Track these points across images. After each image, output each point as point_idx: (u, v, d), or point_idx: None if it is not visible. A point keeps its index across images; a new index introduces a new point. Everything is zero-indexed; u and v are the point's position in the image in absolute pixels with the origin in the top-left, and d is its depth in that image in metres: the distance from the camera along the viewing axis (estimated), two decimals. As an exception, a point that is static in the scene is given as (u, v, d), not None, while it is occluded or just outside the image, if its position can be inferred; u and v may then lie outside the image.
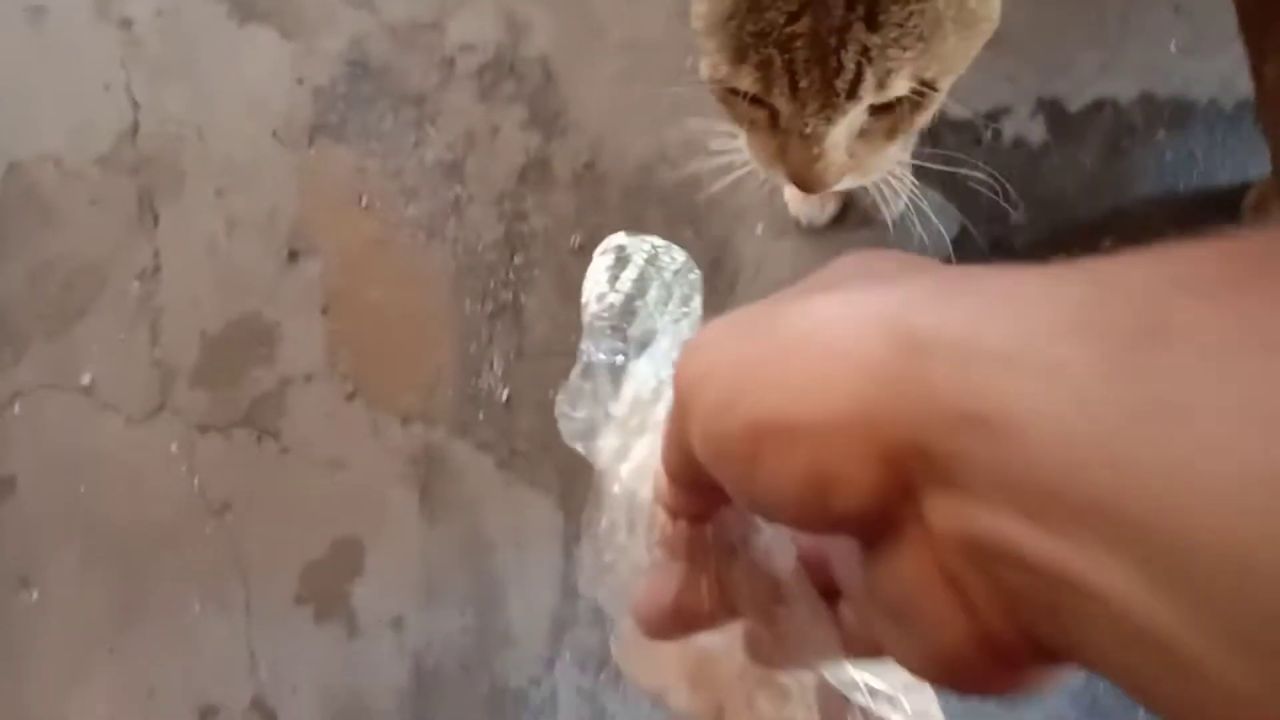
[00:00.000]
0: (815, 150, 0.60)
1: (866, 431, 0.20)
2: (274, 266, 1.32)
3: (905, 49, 0.56)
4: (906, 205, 1.11)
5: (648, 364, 0.51)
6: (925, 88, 0.59)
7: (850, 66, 0.56)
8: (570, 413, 0.56)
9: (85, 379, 1.30)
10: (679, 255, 0.75)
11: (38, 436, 1.27)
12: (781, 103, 0.59)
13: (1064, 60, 1.20)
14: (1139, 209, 1.14)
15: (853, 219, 1.19)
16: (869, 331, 0.21)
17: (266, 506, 1.18)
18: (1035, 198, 1.15)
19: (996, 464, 0.18)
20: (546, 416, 1.19)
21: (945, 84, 0.63)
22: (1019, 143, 1.18)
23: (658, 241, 0.83)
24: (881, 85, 0.57)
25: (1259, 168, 1.10)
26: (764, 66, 0.57)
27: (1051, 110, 1.18)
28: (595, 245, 1.25)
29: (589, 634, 1.07)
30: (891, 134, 0.65)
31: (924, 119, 0.66)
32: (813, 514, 0.22)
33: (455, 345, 1.23)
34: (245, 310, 1.30)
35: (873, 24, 0.54)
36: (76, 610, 1.16)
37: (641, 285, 0.76)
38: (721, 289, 1.19)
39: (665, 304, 0.83)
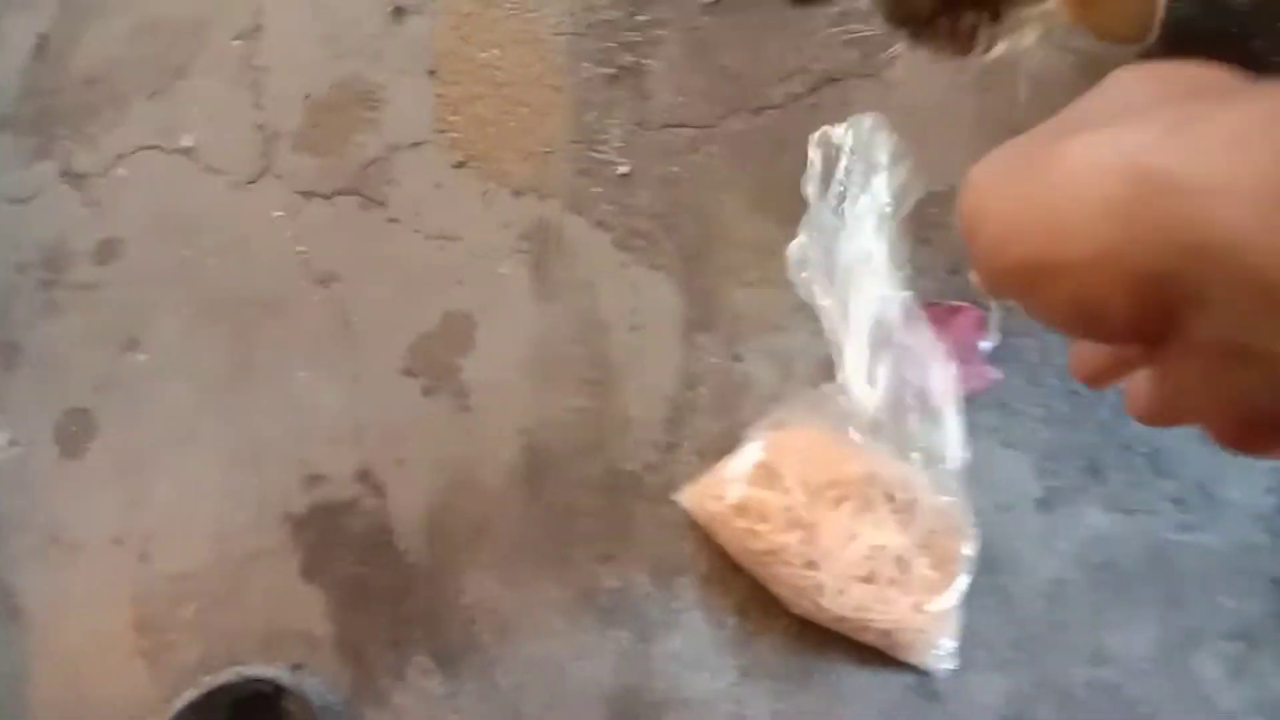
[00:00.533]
0: None
1: (1115, 267, 0.24)
2: (379, 25, 1.22)
3: None
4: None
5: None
6: None
7: None
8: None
9: (187, 140, 1.25)
10: (879, 132, 0.92)
11: (142, 198, 1.23)
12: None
13: None
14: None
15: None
16: (1111, 178, 0.24)
17: (374, 277, 1.13)
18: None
19: (1227, 281, 0.22)
20: (669, 194, 1.09)
21: None
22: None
23: (869, 128, 0.92)
24: None
25: None
26: None
27: None
28: (729, 1, 1.10)
29: (710, 422, 1.01)
30: None
31: None
32: (1086, 332, 0.27)
33: (571, 113, 1.12)
34: (350, 71, 1.22)
35: None
36: (183, 372, 1.15)
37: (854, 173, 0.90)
38: (877, 50, 1.05)
39: (868, 181, 0.85)
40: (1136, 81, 0.28)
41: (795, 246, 0.95)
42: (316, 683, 0.98)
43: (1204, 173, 0.22)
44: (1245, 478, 0.89)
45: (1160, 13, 0.62)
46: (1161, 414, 0.30)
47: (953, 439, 0.88)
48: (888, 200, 0.93)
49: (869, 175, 0.93)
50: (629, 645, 0.96)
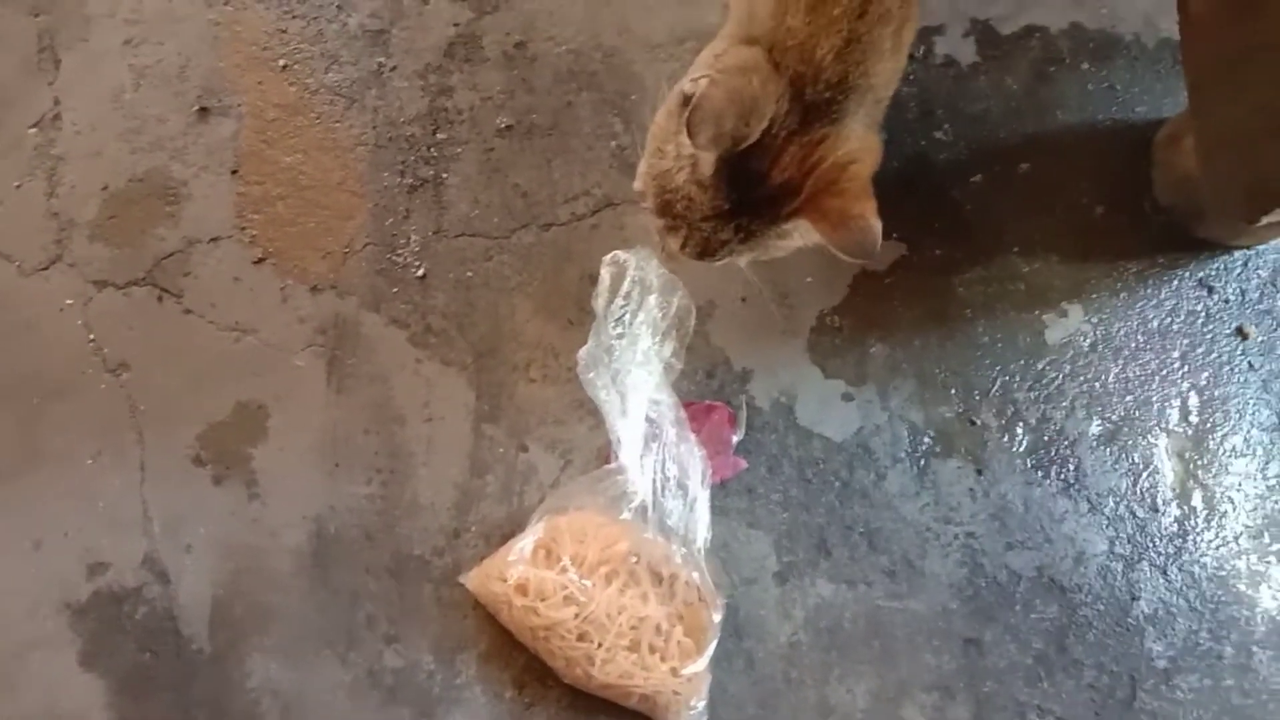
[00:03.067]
0: (689, 256, 0.90)
1: None
2: (183, 123, 1.30)
3: (756, 252, 0.90)
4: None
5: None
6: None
7: (722, 255, 0.89)
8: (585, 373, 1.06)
9: (-27, 225, 1.27)
10: (652, 260, 1.10)
11: (-80, 280, 1.24)
12: (675, 242, 0.89)
13: (1000, -16, 1.26)
14: (1058, 135, 1.21)
15: (782, 123, 1.23)
16: None
17: (167, 366, 1.19)
18: (960, 115, 1.21)
19: None
20: (463, 295, 1.23)
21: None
22: (949, 62, 1.24)
23: (645, 257, 1.11)
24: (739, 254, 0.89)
25: (1173, 106, 1.18)
26: (673, 226, 0.88)
27: (984, 32, 1.24)
28: (522, 127, 1.28)
29: (496, 508, 1.12)
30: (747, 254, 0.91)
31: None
32: None
33: (371, 217, 1.24)
34: (151, 166, 1.29)
35: (745, 241, 0.87)
36: (-40, 457, 1.16)
37: (632, 295, 1.09)
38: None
39: (649, 310, 1.02)
40: None
41: (584, 352, 1.11)
42: (89, 773, 1.01)
43: None
44: (943, 553, 1.09)
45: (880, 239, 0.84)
46: None
47: (703, 523, 1.04)
48: (659, 316, 1.10)
49: (645, 295, 1.11)
50: (411, 721, 1.04)
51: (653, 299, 1.09)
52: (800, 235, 0.87)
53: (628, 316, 1.08)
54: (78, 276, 1.24)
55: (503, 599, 1.03)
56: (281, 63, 1.31)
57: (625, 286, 1.09)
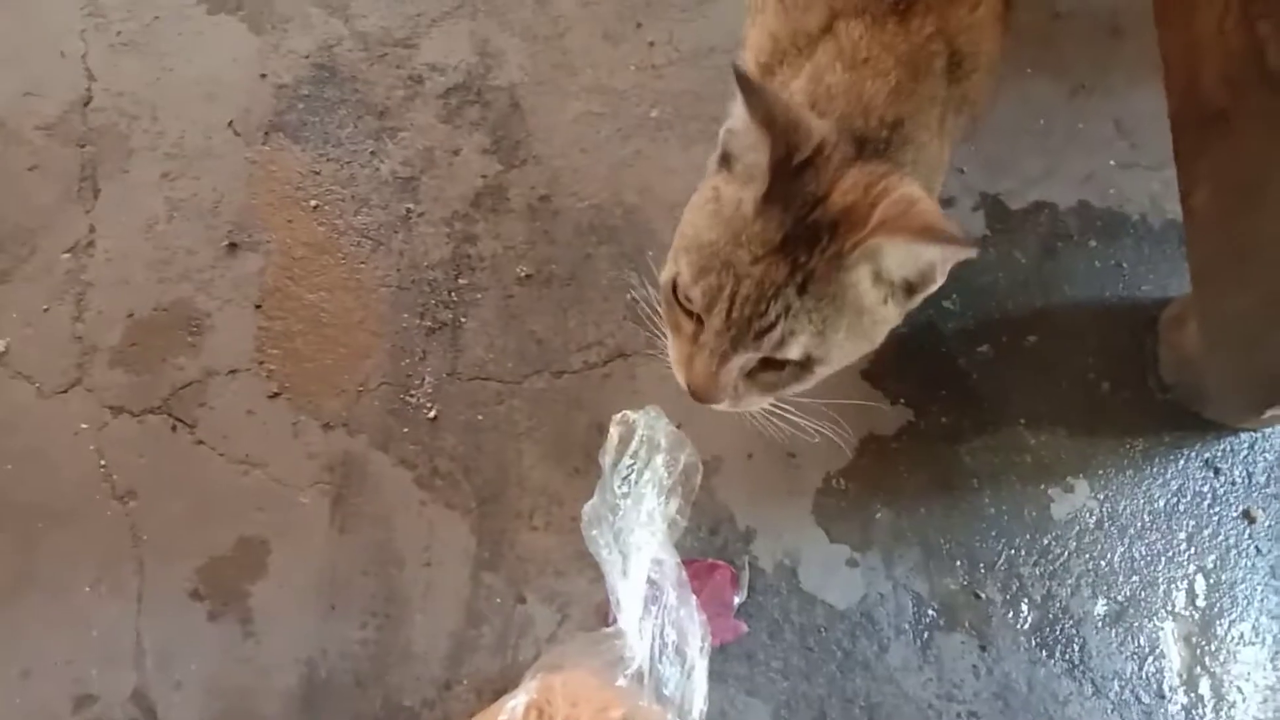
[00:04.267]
0: (714, 368, 0.82)
1: None
2: (212, 256, 1.35)
3: (811, 323, 0.79)
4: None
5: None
6: (808, 365, 0.83)
7: (772, 316, 0.78)
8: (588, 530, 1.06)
9: (0, 345, 1.31)
10: (661, 419, 1.12)
11: (-59, 398, 1.27)
12: (713, 320, 0.80)
13: (1011, 161, 1.31)
14: (1065, 310, 1.24)
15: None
16: None
17: (173, 496, 1.21)
18: (969, 287, 1.25)
19: None
20: (472, 438, 1.24)
21: (821, 372, 0.85)
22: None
23: (654, 417, 1.13)
24: (783, 341, 0.80)
25: (1180, 286, 1.22)
26: (714, 290, 0.79)
27: (993, 206, 1.29)
28: (541, 276, 1.32)
29: (490, 660, 1.12)
30: (767, 389, 0.87)
31: (796, 389, 0.87)
32: None
33: (387, 358, 1.27)
34: (177, 296, 1.33)
35: (802, 291, 0.78)
36: (-42, 581, 1.16)
37: (639, 454, 1.10)
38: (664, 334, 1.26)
39: (656, 469, 1.05)
40: None
41: (589, 508, 1.12)
42: None
43: None
44: (943, 732, 1.07)
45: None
46: None
47: (700, 693, 1.02)
48: (665, 475, 1.11)
49: (652, 454, 1.12)
50: None
51: (660, 459, 1.11)
52: (867, 280, 0.79)
53: (634, 476, 1.10)
54: (95, 401, 1.27)
55: (491, 758, 1.01)
56: (313, 203, 1.36)
57: (633, 445, 1.10)
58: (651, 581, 1.06)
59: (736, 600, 1.12)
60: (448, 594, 1.15)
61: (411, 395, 1.26)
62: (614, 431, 1.11)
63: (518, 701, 1.03)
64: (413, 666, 1.12)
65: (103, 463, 1.23)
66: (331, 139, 1.39)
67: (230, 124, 1.42)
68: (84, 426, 1.26)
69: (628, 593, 1.05)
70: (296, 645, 1.13)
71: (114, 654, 1.13)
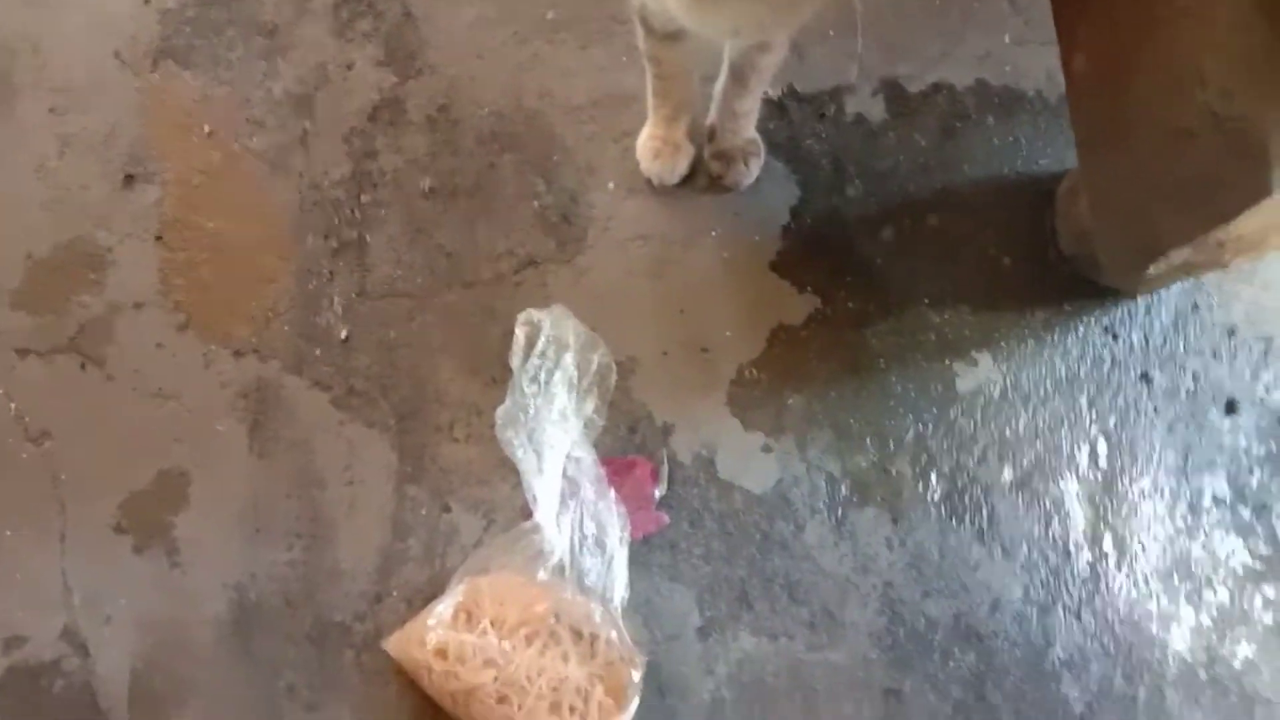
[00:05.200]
0: None
1: None
2: (108, 190, 1.32)
3: None
4: (758, 175, 1.22)
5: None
6: None
7: None
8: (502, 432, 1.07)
9: (-107, 295, 1.27)
10: (567, 319, 1.11)
11: None
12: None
13: (908, 45, 1.31)
14: (965, 189, 1.26)
15: (701, 182, 1.27)
16: None
17: (88, 435, 1.20)
18: (870, 172, 1.26)
19: None
20: (387, 357, 1.24)
21: None
22: (859, 120, 1.28)
23: (560, 316, 1.12)
24: None
25: (1075, 160, 1.23)
26: None
27: (892, 91, 1.29)
28: (446, 189, 1.31)
29: (419, 571, 1.13)
30: None
31: None
32: None
33: (294, 280, 1.26)
34: (75, 233, 1.30)
35: None
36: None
37: (548, 353, 1.10)
38: (570, 241, 1.26)
39: (566, 368, 1.03)
40: None
41: (501, 411, 1.13)
42: None
43: None
44: (861, 602, 1.11)
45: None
46: None
47: (621, 580, 1.05)
48: (577, 374, 1.12)
49: (561, 353, 1.13)
50: (332, 789, 1.04)
51: (569, 357, 1.12)
52: None
53: (543, 375, 1.11)
54: (0, 345, 1.24)
55: (423, 664, 1.04)
56: (207, 129, 1.33)
57: (540, 345, 1.11)
58: (569, 478, 1.08)
59: (657, 493, 1.14)
60: (372, 510, 1.16)
61: (321, 317, 1.25)
62: (519, 332, 1.12)
63: (445, 606, 1.06)
64: (342, 583, 1.13)
65: (13, 405, 1.22)
66: (221, 62, 1.36)
67: (116, 54, 1.37)
68: (-10, 372, 1.24)
69: (544, 489, 1.06)
70: (224, 572, 1.14)
71: (40, 595, 1.13)
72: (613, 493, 1.10)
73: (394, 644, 1.07)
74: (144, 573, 1.14)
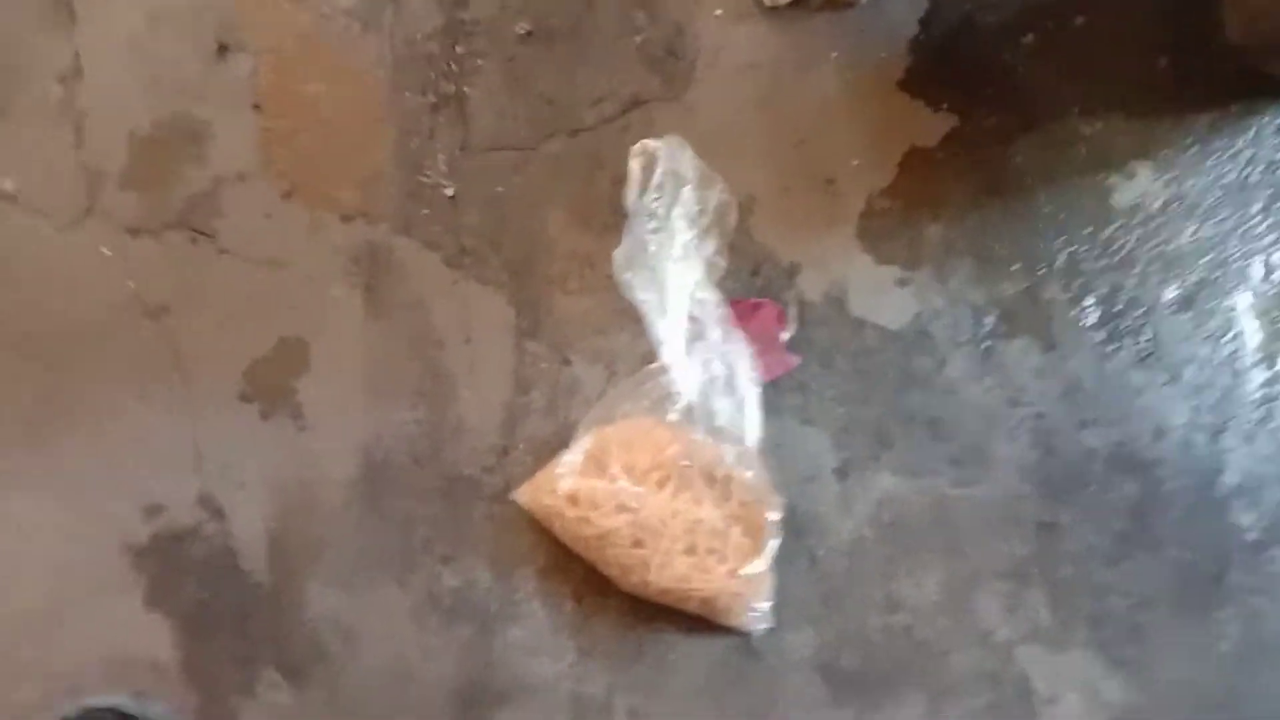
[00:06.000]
0: None
1: None
2: (202, 63, 1.30)
3: None
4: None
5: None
6: None
7: None
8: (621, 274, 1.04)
9: (8, 185, 1.29)
10: (684, 150, 1.06)
11: (-39, 242, 1.27)
12: None
13: None
14: (1114, -15, 1.14)
15: (815, 1, 1.18)
16: None
17: (206, 307, 1.20)
18: (1006, -27, 1.15)
19: None
20: (495, 213, 1.21)
21: None
22: (991, -84, 1.16)
23: (677, 147, 1.07)
24: None
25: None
26: None
27: (1026, -120, 1.17)
28: (543, 32, 1.24)
29: (543, 424, 1.11)
30: None
31: None
32: None
33: (396, 140, 1.23)
34: (174, 109, 1.29)
35: None
36: (3, 411, 1.18)
37: (665, 186, 1.04)
38: (677, 76, 1.19)
39: (685, 202, 0.96)
40: None
41: (619, 252, 1.08)
42: (162, 707, 1.04)
43: None
44: (1011, 436, 1.05)
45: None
46: None
47: (753, 421, 1.01)
48: (697, 208, 1.06)
49: (679, 187, 1.07)
50: (472, 639, 1.05)
51: (688, 190, 1.06)
52: None
53: (662, 210, 1.05)
54: (112, 226, 1.25)
55: (555, 512, 1.02)
56: (294, -9, 1.29)
57: (657, 178, 1.05)
58: (694, 319, 1.04)
59: (785, 335, 1.09)
60: (492, 366, 1.14)
61: (426, 175, 1.21)
62: (634, 164, 1.06)
63: (574, 455, 1.04)
64: (467, 439, 1.12)
65: (130, 283, 1.23)
66: (303, -82, 1.31)
67: (195, -80, 1.34)
68: (106, 252, 1.25)
69: (669, 329, 1.02)
70: (350, 433, 1.14)
71: (174, 463, 1.15)
72: (741, 333, 1.05)
73: (524, 493, 1.06)
74: (272, 437, 1.15)
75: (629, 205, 1.06)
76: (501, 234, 1.19)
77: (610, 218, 1.16)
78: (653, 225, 1.05)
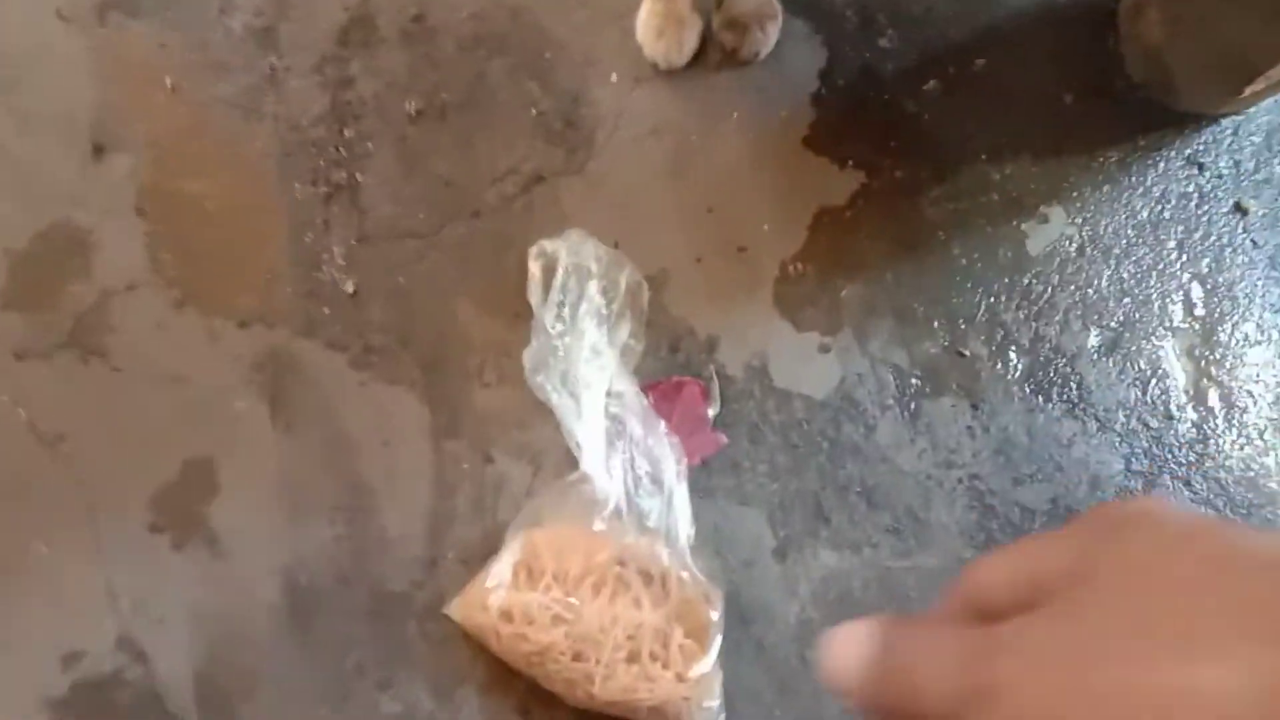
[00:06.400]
0: None
1: None
2: (77, 166, 1.23)
3: None
4: (777, 40, 1.09)
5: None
6: None
7: None
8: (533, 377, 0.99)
9: (-122, 314, 1.21)
10: (586, 242, 1.00)
11: None
12: None
13: None
14: (1012, 23, 1.12)
15: (713, 59, 1.15)
16: None
17: (104, 431, 1.14)
18: (903, 19, 1.12)
19: None
20: (399, 306, 1.16)
21: None
22: (882, -43, 1.14)
23: (578, 241, 1.03)
24: None
25: (1134, -33, 1.08)
26: None
27: (915, -83, 1.14)
28: (434, 109, 1.19)
29: (471, 528, 1.08)
30: None
31: None
32: None
33: (289, 236, 1.17)
34: (52, 219, 1.22)
35: None
36: (-95, 567, 1.12)
37: (569, 285, 1.00)
38: (578, 147, 1.15)
39: (591, 298, 0.93)
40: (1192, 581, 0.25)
41: (528, 354, 1.04)
42: None
43: None
44: (948, 500, 1.03)
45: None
46: None
47: (684, 518, 0.98)
48: (604, 302, 1.03)
49: (584, 283, 1.04)
50: (417, 766, 1.01)
51: (593, 285, 1.02)
52: None
53: (567, 311, 1.02)
54: (-4, 351, 1.18)
55: (489, 628, 0.99)
56: (169, 82, 1.23)
57: (559, 277, 1.02)
58: (612, 416, 1.00)
59: (711, 412, 1.06)
60: (411, 471, 1.10)
61: (324, 272, 1.16)
62: (534, 267, 1.02)
63: (503, 564, 1.00)
64: (393, 551, 1.08)
65: (22, 412, 1.16)
66: (171, 3, 1.24)
67: (58, 12, 1.26)
68: (-8, 380, 1.18)
69: (587, 434, 0.99)
70: (270, 557, 1.09)
71: (87, 605, 1.09)
72: (662, 424, 1.02)
73: (456, 610, 1.02)
74: (187, 569, 1.09)
75: (534, 308, 1.02)
76: (409, 328, 1.14)
77: (521, 304, 1.12)
78: (559, 328, 1.01)
